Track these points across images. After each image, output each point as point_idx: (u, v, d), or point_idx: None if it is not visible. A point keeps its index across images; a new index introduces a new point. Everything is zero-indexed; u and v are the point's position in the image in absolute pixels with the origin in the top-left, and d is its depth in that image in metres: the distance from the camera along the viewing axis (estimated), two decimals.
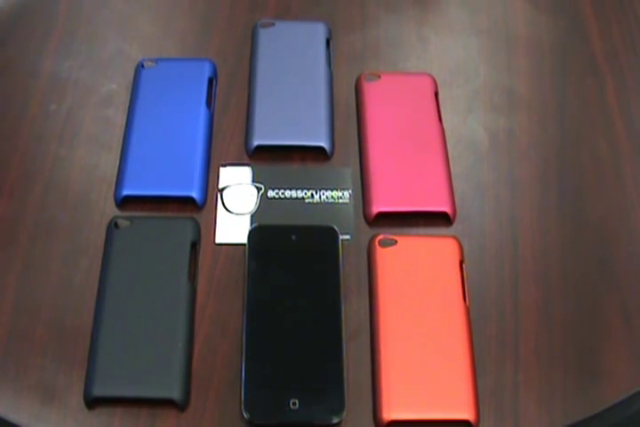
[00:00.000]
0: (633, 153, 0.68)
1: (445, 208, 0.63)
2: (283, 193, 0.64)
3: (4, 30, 0.74)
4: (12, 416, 0.54)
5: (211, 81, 0.70)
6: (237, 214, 0.63)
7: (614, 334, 0.59)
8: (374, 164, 0.65)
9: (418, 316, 0.57)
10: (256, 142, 0.66)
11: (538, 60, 0.74)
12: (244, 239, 0.60)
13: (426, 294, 0.58)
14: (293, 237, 0.60)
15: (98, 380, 0.54)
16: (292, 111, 0.68)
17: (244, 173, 0.65)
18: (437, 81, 0.71)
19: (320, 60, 0.71)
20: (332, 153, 0.67)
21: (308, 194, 0.64)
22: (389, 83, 0.70)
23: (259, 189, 0.64)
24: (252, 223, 0.62)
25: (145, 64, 0.70)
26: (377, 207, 0.63)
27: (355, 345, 0.57)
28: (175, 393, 0.54)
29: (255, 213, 0.63)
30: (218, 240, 0.62)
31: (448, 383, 0.55)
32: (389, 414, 0.54)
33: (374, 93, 0.69)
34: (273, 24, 0.74)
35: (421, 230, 0.63)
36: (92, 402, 0.54)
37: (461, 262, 0.60)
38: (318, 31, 0.73)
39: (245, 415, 0.53)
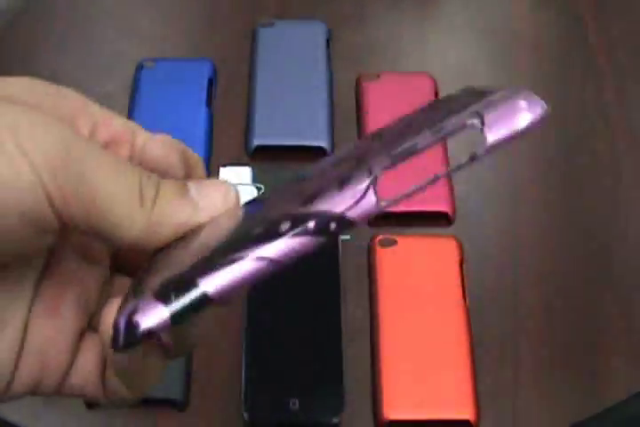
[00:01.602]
0: (633, 153, 0.68)
1: (445, 208, 0.63)
2: None
3: (3, 30, 0.74)
4: (12, 416, 0.54)
5: (211, 81, 0.70)
6: None
7: (614, 334, 0.59)
8: None
9: (418, 316, 0.57)
10: (256, 142, 0.66)
11: (538, 59, 0.74)
12: None
13: (426, 293, 0.58)
14: None
15: None
16: (291, 111, 0.68)
17: (244, 173, 0.65)
18: (437, 81, 0.71)
19: (320, 59, 0.71)
20: (332, 153, 0.67)
21: None
22: (389, 83, 0.70)
23: (259, 189, 0.64)
24: None
25: (145, 64, 0.70)
26: None
27: (355, 345, 0.57)
28: (175, 393, 0.54)
29: None
30: None
31: (448, 383, 0.55)
32: (389, 414, 0.54)
33: (374, 93, 0.69)
34: (273, 24, 0.74)
35: (421, 230, 0.63)
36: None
37: (461, 262, 0.60)
38: (318, 31, 0.73)
39: (245, 415, 0.53)
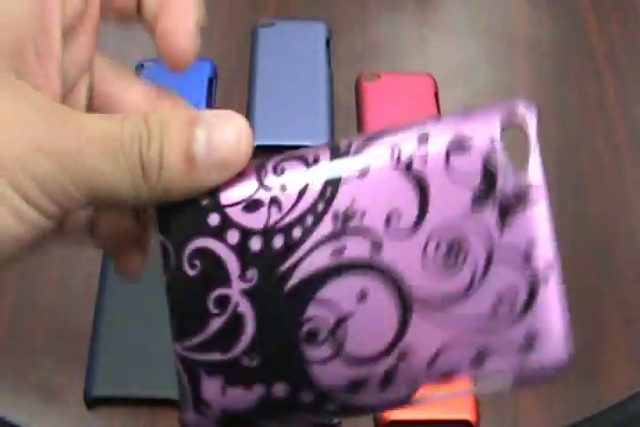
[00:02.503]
0: (633, 153, 0.68)
1: None
2: None
3: None
4: (12, 416, 0.54)
5: (211, 81, 0.70)
6: None
7: (614, 334, 0.59)
8: None
9: None
10: (256, 142, 0.66)
11: (538, 59, 0.74)
12: None
13: None
14: None
15: (98, 380, 0.54)
16: (291, 111, 0.68)
17: None
18: (437, 81, 0.71)
19: (320, 59, 0.71)
20: None
21: None
22: (389, 83, 0.70)
23: None
24: None
25: (145, 64, 0.70)
26: None
27: None
28: (175, 393, 0.54)
29: None
30: None
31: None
32: (390, 414, 0.54)
33: (374, 93, 0.69)
34: (273, 24, 0.74)
35: None
36: (92, 402, 0.54)
37: None
38: (318, 31, 0.73)
39: None
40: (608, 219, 0.64)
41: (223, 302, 0.28)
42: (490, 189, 0.28)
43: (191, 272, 0.28)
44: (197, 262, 0.28)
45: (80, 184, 0.26)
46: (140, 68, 0.70)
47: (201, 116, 0.28)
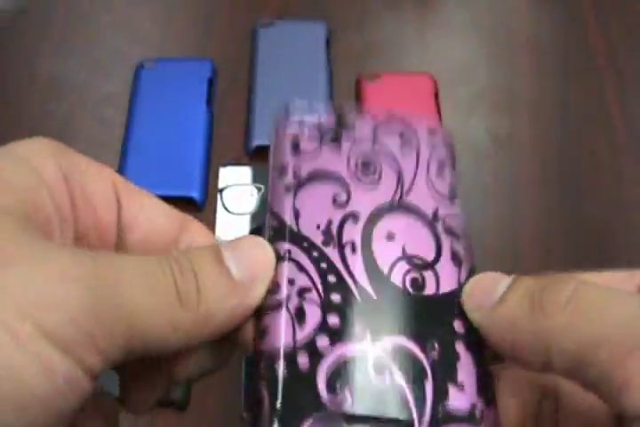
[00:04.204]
0: (633, 153, 0.68)
1: None
2: None
3: (3, 30, 0.74)
4: None
5: (211, 81, 0.70)
6: (237, 215, 0.63)
7: None
8: None
9: None
10: (256, 142, 0.66)
11: (539, 59, 0.74)
12: None
13: None
14: None
15: (98, 379, 0.54)
16: None
17: (244, 173, 0.65)
18: (437, 81, 0.71)
19: (320, 59, 0.71)
20: None
21: None
22: (389, 83, 0.70)
23: (259, 189, 0.64)
24: (251, 223, 0.63)
25: (145, 64, 0.70)
26: None
27: None
28: (175, 393, 0.54)
29: (255, 213, 0.63)
30: None
31: None
32: None
33: (374, 93, 0.69)
34: (273, 24, 0.74)
35: None
36: None
37: None
38: (318, 31, 0.73)
39: (245, 415, 0.53)
40: (608, 219, 0.64)
41: None
42: None
43: None
44: None
45: (116, 319, 0.25)
46: (139, 67, 0.70)
47: (222, 242, 0.29)
